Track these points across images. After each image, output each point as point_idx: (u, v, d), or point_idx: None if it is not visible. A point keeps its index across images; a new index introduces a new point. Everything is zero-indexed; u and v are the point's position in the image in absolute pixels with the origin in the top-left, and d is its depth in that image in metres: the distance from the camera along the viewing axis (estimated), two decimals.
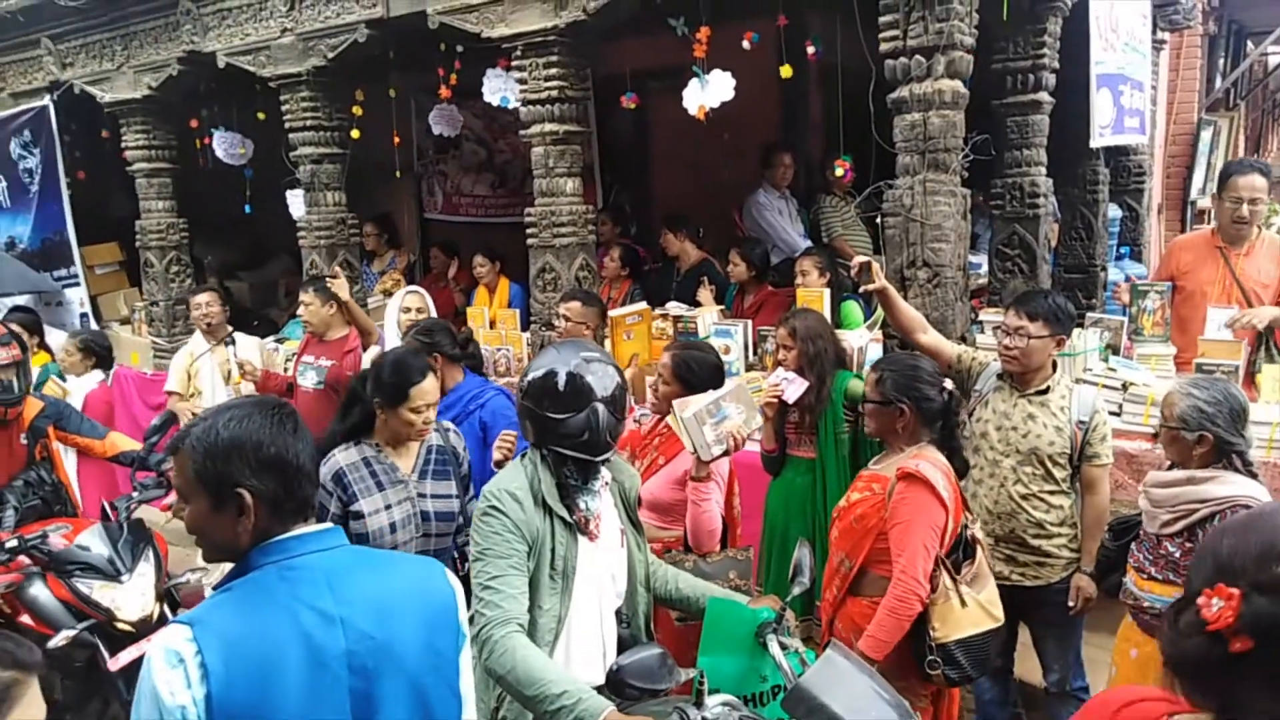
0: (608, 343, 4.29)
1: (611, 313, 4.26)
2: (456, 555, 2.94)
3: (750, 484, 3.53)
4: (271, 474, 1.42)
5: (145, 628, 3.17)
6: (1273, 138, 11.09)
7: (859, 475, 2.78)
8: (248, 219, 6.69)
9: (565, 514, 2.06)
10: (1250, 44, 8.04)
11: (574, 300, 3.99)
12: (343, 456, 2.77)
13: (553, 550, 2.02)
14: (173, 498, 3.36)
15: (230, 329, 5.10)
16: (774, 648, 2.04)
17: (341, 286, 4.55)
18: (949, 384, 2.67)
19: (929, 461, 2.50)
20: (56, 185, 6.48)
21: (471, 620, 1.88)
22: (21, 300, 6.40)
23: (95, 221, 7.01)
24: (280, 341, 6.01)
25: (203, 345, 4.97)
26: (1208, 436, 2.48)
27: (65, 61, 6.24)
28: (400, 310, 4.55)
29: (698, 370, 3.01)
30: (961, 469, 2.68)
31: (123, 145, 6.21)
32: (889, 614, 2.43)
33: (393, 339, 4.55)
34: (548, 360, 2.10)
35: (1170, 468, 2.66)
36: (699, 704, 1.84)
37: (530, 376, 2.10)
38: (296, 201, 6.14)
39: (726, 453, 2.76)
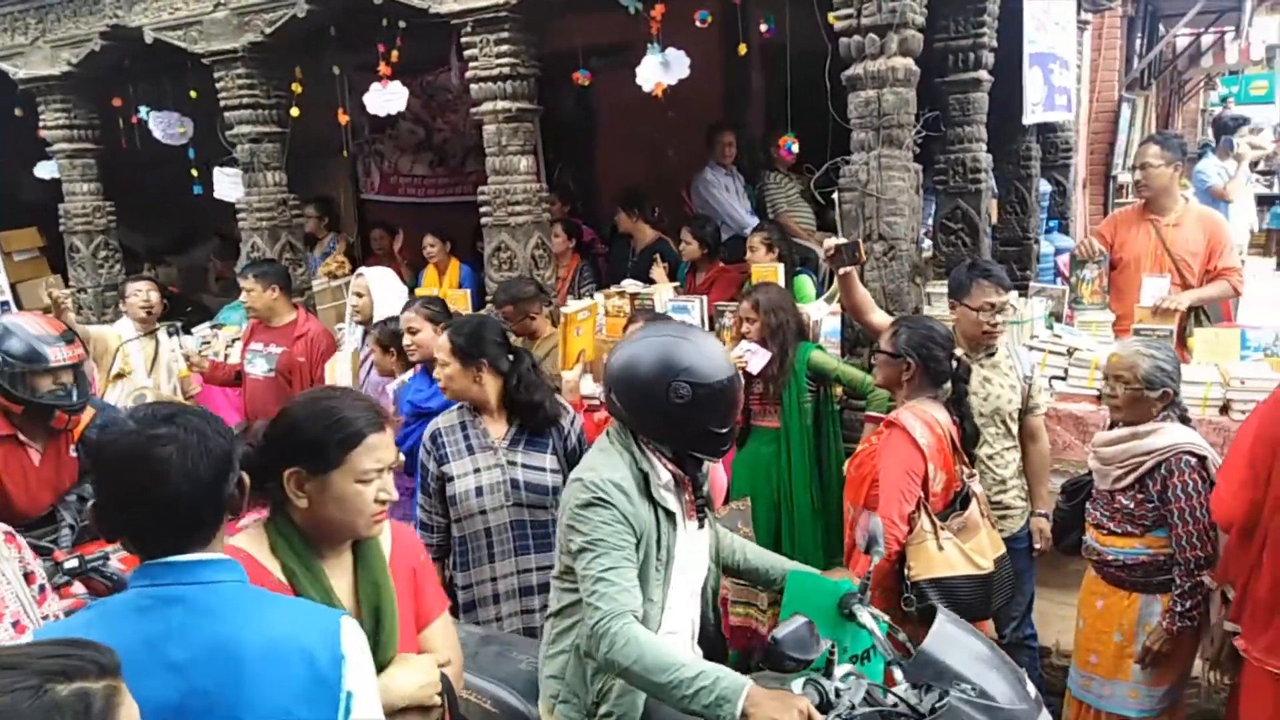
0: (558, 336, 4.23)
1: (564, 309, 4.17)
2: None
3: None
4: (133, 496, 1.36)
5: None
6: (1179, 116, 11.66)
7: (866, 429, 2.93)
8: (175, 201, 6.45)
9: (674, 506, 1.99)
10: (1163, 26, 8.41)
11: (506, 304, 4.03)
12: (441, 420, 2.86)
13: (658, 541, 1.96)
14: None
15: (158, 325, 4.91)
16: (865, 617, 2.03)
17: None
18: (960, 353, 2.81)
19: (913, 412, 2.64)
20: None
21: (587, 614, 1.85)
22: None
23: (8, 205, 6.67)
24: (217, 327, 5.84)
25: (131, 331, 4.79)
26: (1169, 393, 2.66)
27: None
28: (353, 294, 4.44)
29: None
30: (971, 435, 2.82)
31: (41, 124, 5.91)
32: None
33: (351, 328, 4.46)
34: (702, 362, 1.89)
35: (1111, 426, 2.82)
36: (829, 674, 1.85)
37: (695, 380, 1.87)
38: (225, 182, 5.94)
39: None
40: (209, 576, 1.38)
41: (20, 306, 6.53)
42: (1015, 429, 3.12)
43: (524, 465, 2.81)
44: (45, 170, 6.20)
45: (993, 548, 2.69)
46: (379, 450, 1.67)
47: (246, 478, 1.49)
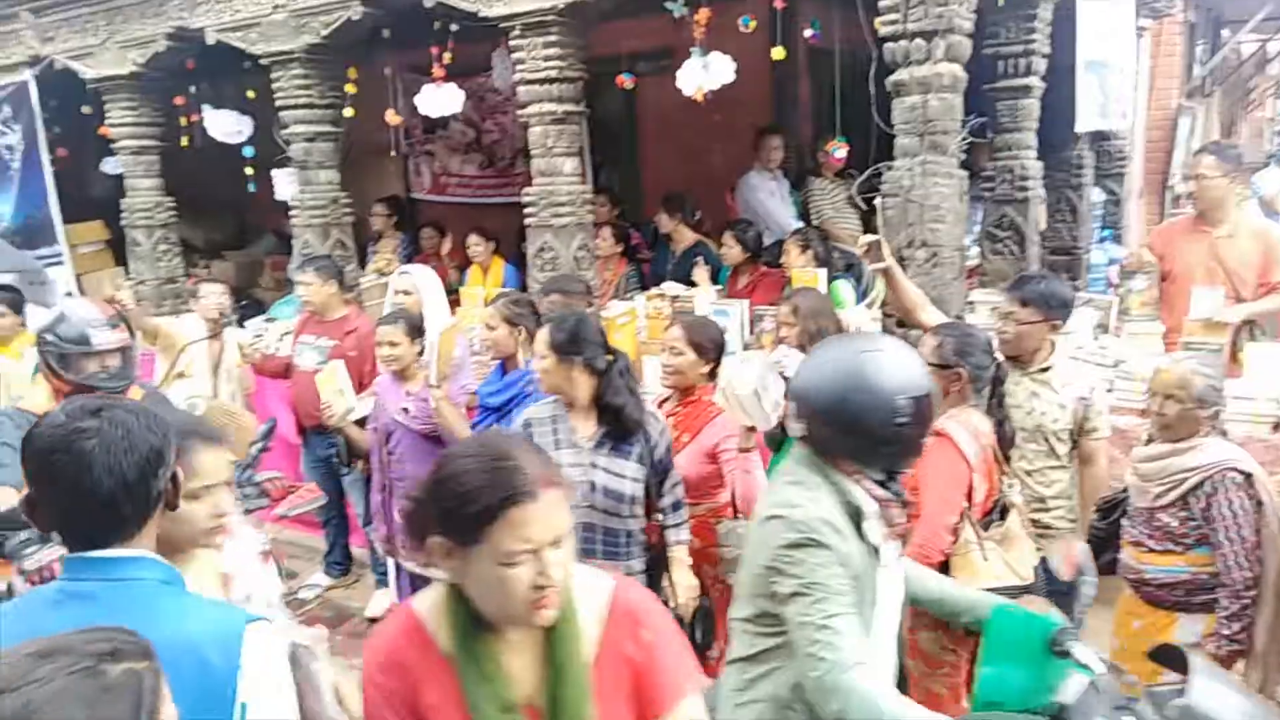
0: None
1: (604, 314, 4.17)
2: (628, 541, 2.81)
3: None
4: (59, 490, 1.37)
5: None
6: (1243, 124, 11.32)
7: None
8: (233, 198, 6.64)
9: (877, 540, 1.83)
10: (1227, 32, 8.19)
11: (553, 293, 4.02)
12: (536, 410, 2.89)
13: (866, 582, 1.81)
14: (280, 508, 3.20)
15: (229, 323, 5.09)
16: (1088, 656, 1.85)
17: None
18: (1000, 356, 2.78)
19: (958, 421, 2.59)
20: (38, 162, 6.37)
21: (806, 665, 1.70)
22: (4, 279, 6.30)
23: (77, 200, 6.92)
24: (270, 320, 5.99)
25: (200, 332, 4.94)
26: (1220, 411, 2.61)
27: (46, 36, 6.12)
28: (393, 292, 4.53)
29: (708, 334, 3.16)
30: (1010, 437, 2.78)
31: (107, 122, 6.12)
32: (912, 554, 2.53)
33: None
34: (911, 373, 1.80)
35: (1148, 442, 2.77)
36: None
37: (914, 393, 1.77)
38: (284, 181, 6.11)
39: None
40: (124, 574, 1.37)
41: (85, 297, 6.76)
42: (1063, 450, 3.02)
43: (605, 470, 2.76)
44: (112, 166, 6.43)
45: (1032, 557, 2.66)
46: (530, 526, 1.32)
47: (180, 474, 1.48)
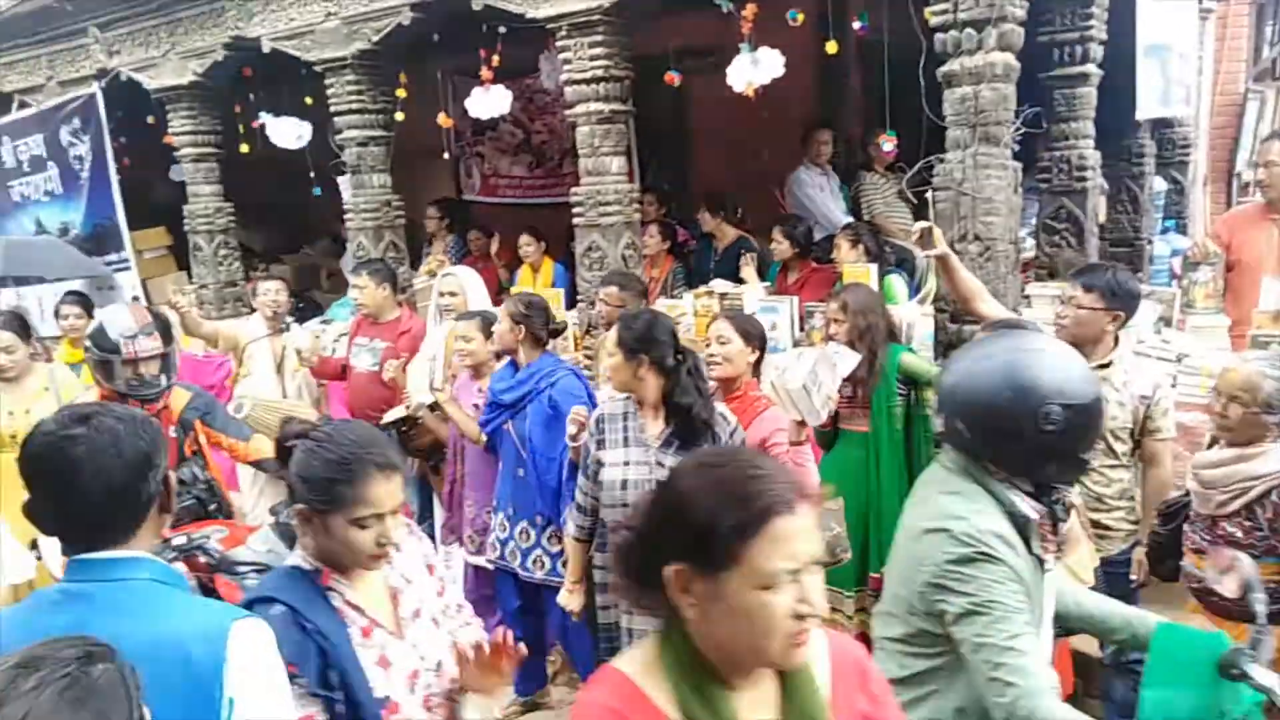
0: None
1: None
2: None
3: None
4: (52, 495, 1.42)
5: None
6: None
7: None
8: (290, 202, 6.79)
9: (1043, 554, 1.72)
10: None
11: (611, 285, 4.04)
12: (609, 405, 2.94)
13: (1035, 598, 1.71)
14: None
15: (289, 319, 5.20)
16: (1269, 678, 1.69)
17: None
18: None
19: None
20: (106, 172, 6.60)
21: (990, 690, 1.59)
22: (75, 285, 6.54)
23: (141, 207, 7.15)
24: (325, 323, 6.12)
25: (261, 330, 5.06)
26: None
27: (112, 49, 6.34)
28: (438, 295, 4.61)
29: (752, 325, 3.25)
30: None
31: (169, 131, 6.31)
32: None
33: (433, 324, 4.60)
34: (1069, 379, 1.67)
35: (1210, 445, 2.66)
36: None
37: (1067, 401, 1.63)
38: (348, 187, 6.25)
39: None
40: (120, 574, 1.41)
41: (150, 301, 6.98)
42: (1122, 449, 2.92)
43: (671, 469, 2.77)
44: (177, 173, 6.66)
45: (1091, 559, 2.59)
46: (794, 541, 1.17)
47: (173, 478, 1.52)
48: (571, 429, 3.09)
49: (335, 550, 1.68)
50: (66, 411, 1.48)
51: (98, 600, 1.39)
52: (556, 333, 3.76)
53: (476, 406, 3.72)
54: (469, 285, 4.48)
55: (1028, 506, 1.69)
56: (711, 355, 3.12)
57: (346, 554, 1.67)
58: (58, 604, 1.41)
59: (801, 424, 2.87)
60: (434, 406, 4.04)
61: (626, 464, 2.83)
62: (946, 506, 1.70)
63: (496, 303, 5.70)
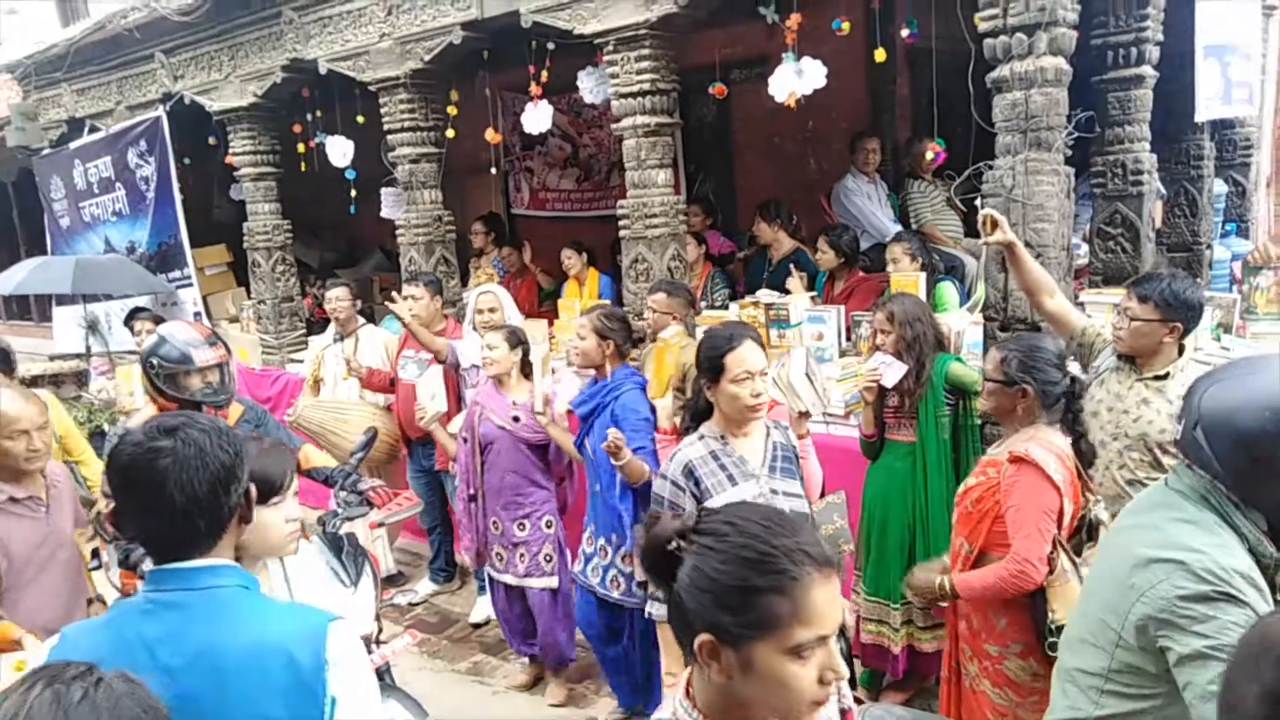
0: (650, 358, 4.11)
1: (663, 334, 3.99)
2: None
3: (848, 469, 3.55)
4: (138, 505, 1.45)
5: (366, 644, 2.90)
6: None
7: (980, 460, 2.74)
8: (342, 219, 6.95)
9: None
10: None
11: (659, 292, 4.05)
12: (689, 450, 2.54)
13: None
14: (377, 514, 3.29)
15: (361, 321, 5.32)
16: None
17: (400, 308, 4.48)
18: (1074, 368, 2.64)
19: (1040, 444, 2.48)
20: (170, 192, 6.84)
21: None
22: (140, 301, 6.78)
23: (201, 225, 7.39)
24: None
25: (330, 337, 5.21)
26: None
27: (177, 74, 6.58)
28: (475, 311, 4.67)
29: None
30: (1089, 454, 2.64)
31: (230, 151, 6.52)
32: (996, 580, 2.45)
33: (470, 337, 4.67)
34: None
35: None
36: None
37: None
38: (389, 200, 6.38)
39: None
40: (206, 582, 1.44)
41: (210, 316, 7.21)
42: (1173, 463, 2.81)
43: (785, 494, 2.55)
44: (237, 192, 6.87)
45: None
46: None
47: (254, 490, 1.54)
48: (605, 448, 3.07)
49: (757, 698, 1.17)
50: (154, 423, 1.50)
51: (190, 608, 1.42)
52: (638, 342, 3.77)
53: (517, 420, 3.75)
54: (506, 304, 4.62)
55: (1272, 547, 1.52)
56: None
57: (778, 701, 1.17)
58: (148, 613, 1.43)
59: (803, 416, 2.81)
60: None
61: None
62: (1180, 536, 1.55)
63: (534, 313, 5.78)
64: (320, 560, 2.47)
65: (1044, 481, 2.42)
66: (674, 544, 1.19)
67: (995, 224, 3.05)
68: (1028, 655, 2.47)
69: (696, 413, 2.63)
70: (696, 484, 2.49)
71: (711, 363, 2.50)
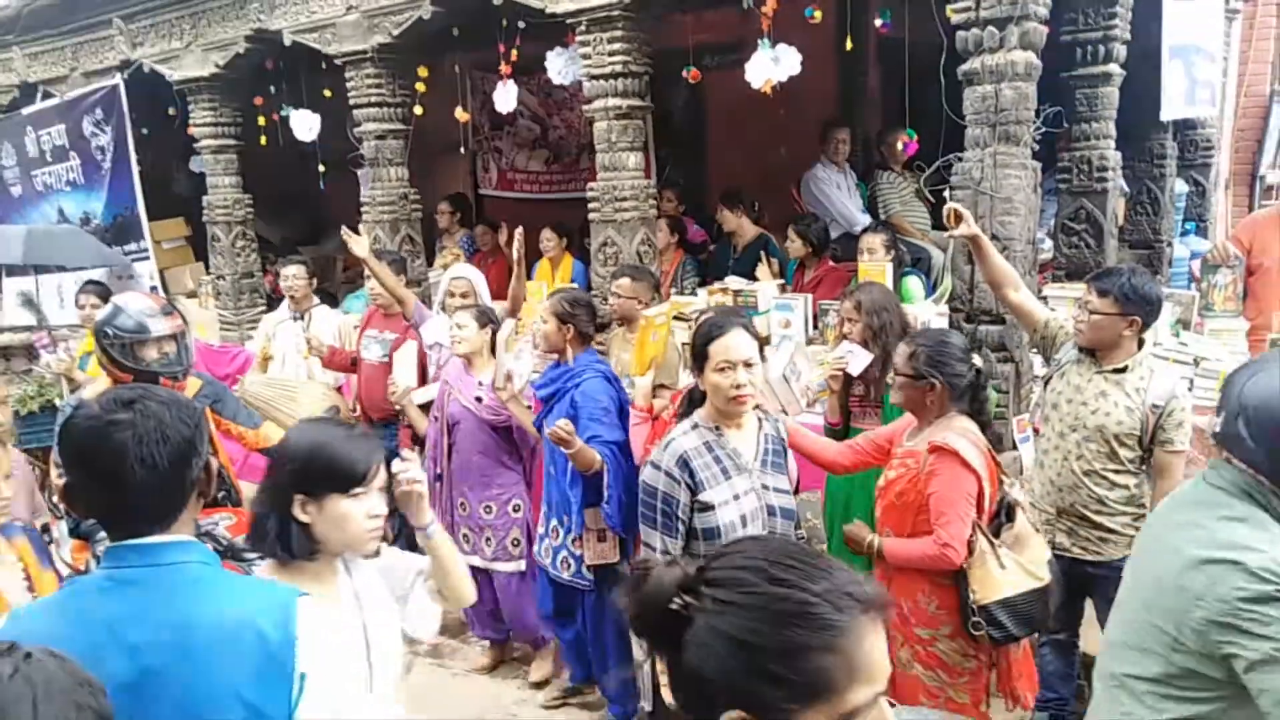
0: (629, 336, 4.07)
1: (646, 312, 4.00)
2: None
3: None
4: (95, 480, 1.39)
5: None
6: None
7: (892, 453, 2.76)
8: (308, 195, 6.82)
9: None
10: None
11: (624, 277, 4.02)
12: (684, 440, 2.43)
13: None
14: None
15: (316, 301, 5.24)
16: None
17: (359, 244, 4.35)
18: (978, 361, 2.69)
19: (956, 433, 2.55)
20: (127, 163, 6.66)
21: None
22: (95, 274, 6.60)
23: (160, 198, 7.20)
24: (344, 314, 6.15)
25: (285, 314, 5.12)
26: None
27: (135, 41, 6.40)
28: (446, 294, 4.62)
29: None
30: (993, 441, 2.69)
31: (190, 122, 6.36)
32: (920, 555, 2.52)
33: (439, 319, 4.60)
34: None
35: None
36: None
37: None
38: (368, 181, 6.27)
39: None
40: (169, 558, 1.39)
41: (167, 290, 7.04)
42: (1128, 455, 2.86)
43: (775, 489, 2.50)
44: (197, 165, 6.71)
45: (1045, 552, 2.59)
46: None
47: (214, 463, 1.49)
48: (553, 434, 3.04)
49: None
50: (110, 395, 1.44)
51: (154, 585, 1.38)
52: (603, 327, 3.73)
53: (479, 400, 3.71)
54: (480, 286, 4.56)
55: None
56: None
57: None
58: (107, 590, 1.39)
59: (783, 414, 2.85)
60: (426, 407, 4.07)
61: (736, 498, 2.41)
62: (1233, 535, 1.51)
63: (506, 294, 5.72)
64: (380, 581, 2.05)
65: (962, 468, 2.49)
66: (678, 602, 0.95)
67: (960, 217, 3.07)
68: (956, 636, 2.54)
69: (693, 400, 2.58)
70: (691, 476, 2.38)
71: (697, 350, 2.45)
